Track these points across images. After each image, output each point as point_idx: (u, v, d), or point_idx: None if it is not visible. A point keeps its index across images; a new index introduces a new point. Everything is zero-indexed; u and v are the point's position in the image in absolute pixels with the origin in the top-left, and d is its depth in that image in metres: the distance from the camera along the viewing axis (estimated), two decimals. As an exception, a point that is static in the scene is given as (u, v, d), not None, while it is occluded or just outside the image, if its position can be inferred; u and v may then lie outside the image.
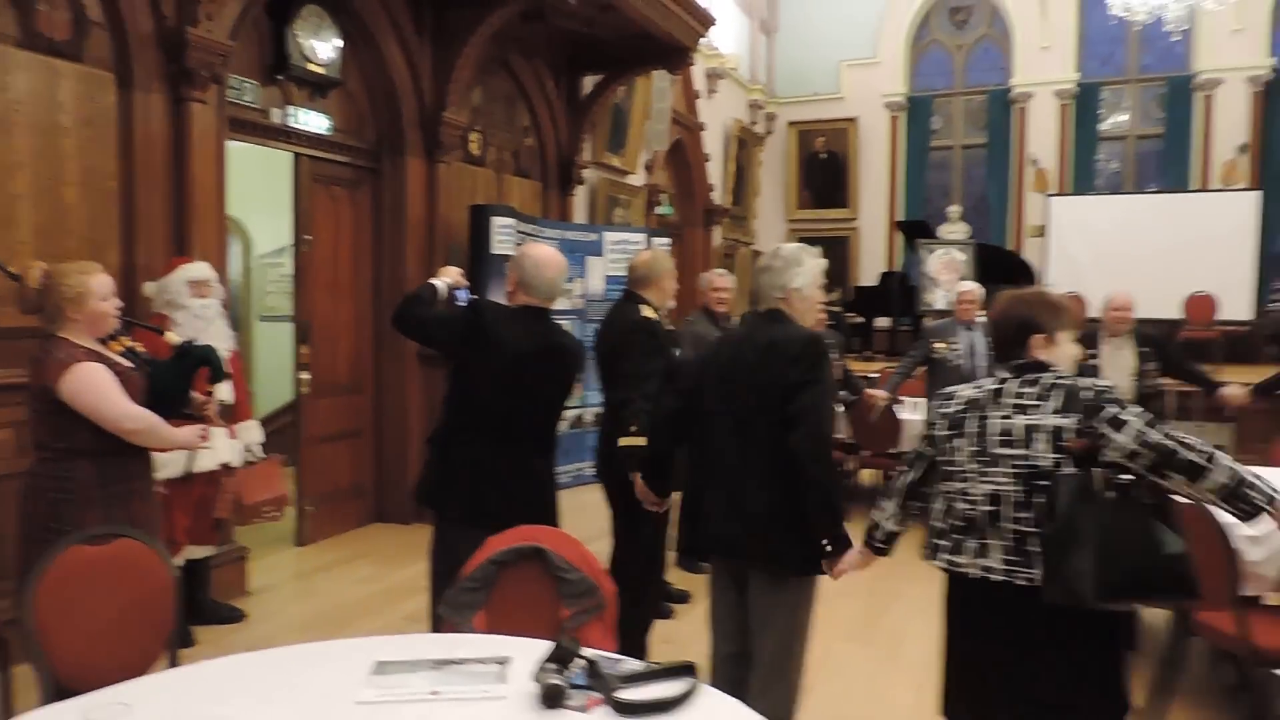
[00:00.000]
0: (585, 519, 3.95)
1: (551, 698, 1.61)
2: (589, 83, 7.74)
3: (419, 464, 5.86)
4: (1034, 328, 2.21)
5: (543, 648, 1.79)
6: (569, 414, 7.05)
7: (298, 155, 5.30)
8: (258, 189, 6.56)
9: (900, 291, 11.05)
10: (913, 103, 12.52)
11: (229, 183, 4.52)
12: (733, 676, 2.59)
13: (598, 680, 1.67)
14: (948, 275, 10.23)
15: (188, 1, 4.15)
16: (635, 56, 7.39)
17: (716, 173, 11.01)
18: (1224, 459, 2.03)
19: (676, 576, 4.64)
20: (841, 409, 5.99)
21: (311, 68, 5.14)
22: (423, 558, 4.69)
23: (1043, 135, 11.89)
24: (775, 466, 2.53)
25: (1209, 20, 10.37)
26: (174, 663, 2.29)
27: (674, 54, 7.41)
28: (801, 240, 13.06)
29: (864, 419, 6.01)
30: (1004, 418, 2.14)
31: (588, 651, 1.76)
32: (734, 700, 1.70)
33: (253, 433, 4.06)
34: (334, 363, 5.60)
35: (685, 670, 1.73)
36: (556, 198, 7.59)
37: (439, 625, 2.39)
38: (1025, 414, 2.11)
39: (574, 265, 7.00)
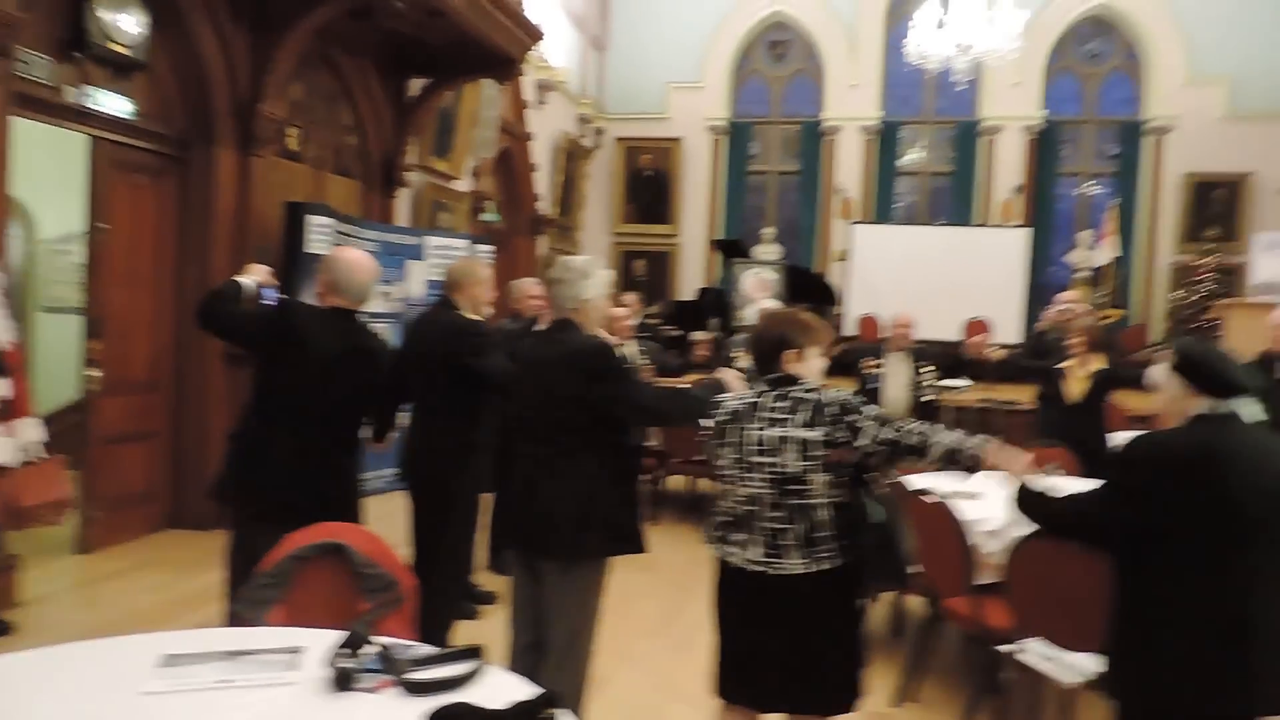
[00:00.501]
0: (403, 522, 3.95)
1: (342, 680, 1.69)
2: (416, 85, 7.69)
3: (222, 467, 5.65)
4: (786, 344, 2.47)
5: (334, 638, 1.85)
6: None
7: (95, 138, 5.01)
8: (46, 170, 6.12)
9: (716, 307, 11.55)
10: (734, 128, 13.14)
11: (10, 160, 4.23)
12: (529, 666, 2.73)
13: (389, 664, 1.76)
14: (760, 293, 10.79)
15: (-29, -32, 3.88)
16: (464, 63, 7.42)
17: (544, 183, 11.15)
18: (939, 432, 2.34)
19: (485, 578, 4.72)
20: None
21: (113, 47, 4.89)
22: (220, 565, 4.56)
23: (849, 167, 12.78)
24: (571, 464, 2.71)
25: (991, 73, 11.51)
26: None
27: (503, 64, 7.49)
28: (625, 254, 13.42)
29: (672, 429, 6.30)
30: (760, 429, 2.40)
31: (381, 638, 1.85)
32: (519, 678, 1.83)
33: (32, 431, 3.82)
34: (129, 359, 5.31)
35: (473, 653, 1.85)
36: (378, 199, 7.48)
37: (234, 623, 2.38)
38: (777, 426, 2.37)
39: (394, 269, 6.95)
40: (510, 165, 10.33)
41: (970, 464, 2.36)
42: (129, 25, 4.97)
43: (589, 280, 2.84)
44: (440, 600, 3.42)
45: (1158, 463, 2.07)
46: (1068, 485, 3.76)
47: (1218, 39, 11.72)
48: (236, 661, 1.78)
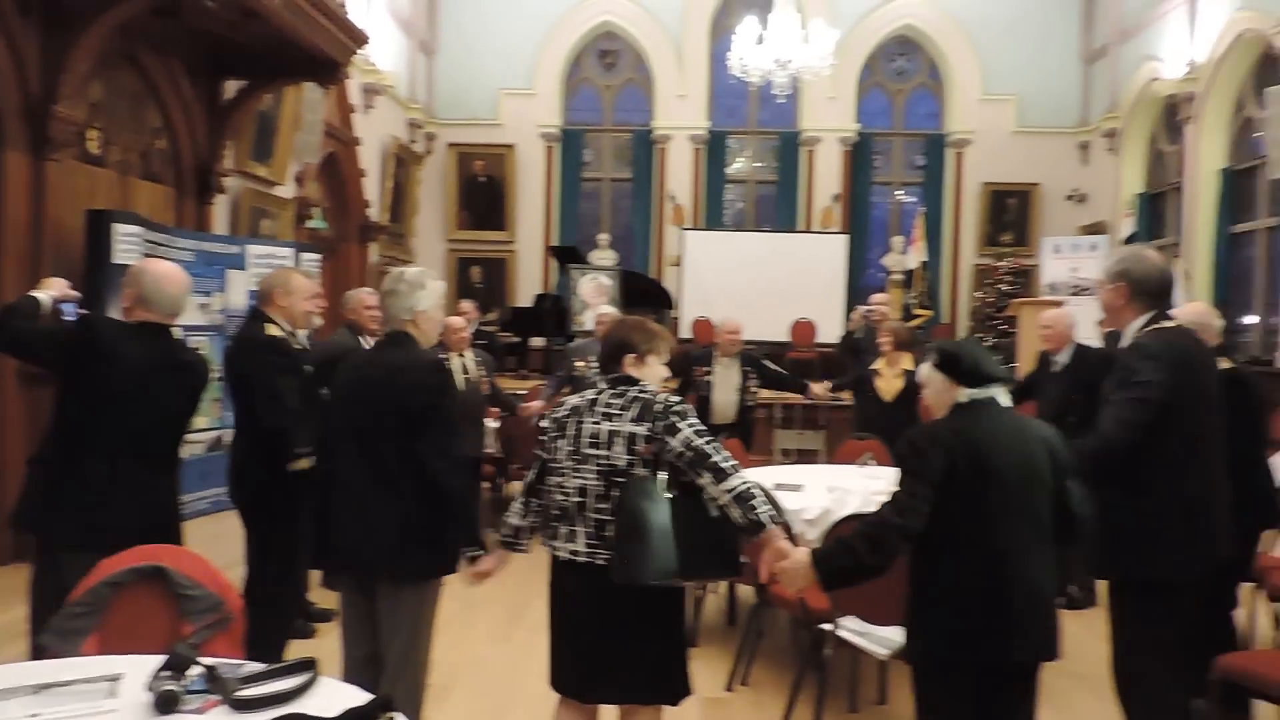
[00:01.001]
0: (234, 544, 3.80)
1: (166, 703, 1.65)
2: (232, 87, 7.36)
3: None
4: (629, 348, 2.60)
5: (158, 663, 1.80)
6: (208, 437, 6.65)
7: None
8: None
9: (553, 313, 11.62)
10: (566, 135, 13.26)
11: None
12: (366, 679, 2.70)
13: (216, 683, 1.73)
14: (597, 298, 10.97)
15: None
16: (284, 66, 7.15)
17: (374, 189, 10.89)
18: (745, 474, 2.48)
19: (320, 595, 4.59)
20: (495, 424, 6.27)
21: (-121, 41, 4.45)
22: (20, 602, 4.26)
23: (680, 174, 13.16)
24: (398, 483, 2.71)
25: (809, 87, 12.15)
26: None
27: (325, 68, 7.27)
28: (461, 260, 13.29)
29: (516, 434, 6.33)
30: (594, 423, 2.51)
31: (206, 659, 1.81)
32: (352, 687, 1.84)
33: None
34: (-94, 382, 4.84)
35: (305, 666, 1.84)
36: (193, 206, 7.11)
37: (41, 656, 2.25)
38: (610, 421, 2.49)
39: (214, 279, 6.65)
40: (337, 171, 10.04)
41: (752, 522, 2.41)
42: (-102, 16, 4.54)
43: (423, 291, 2.84)
44: (272, 619, 3.33)
45: (929, 448, 2.31)
46: (881, 474, 4.09)
47: (1007, 61, 12.84)
48: (47, 695, 1.70)
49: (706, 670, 2.68)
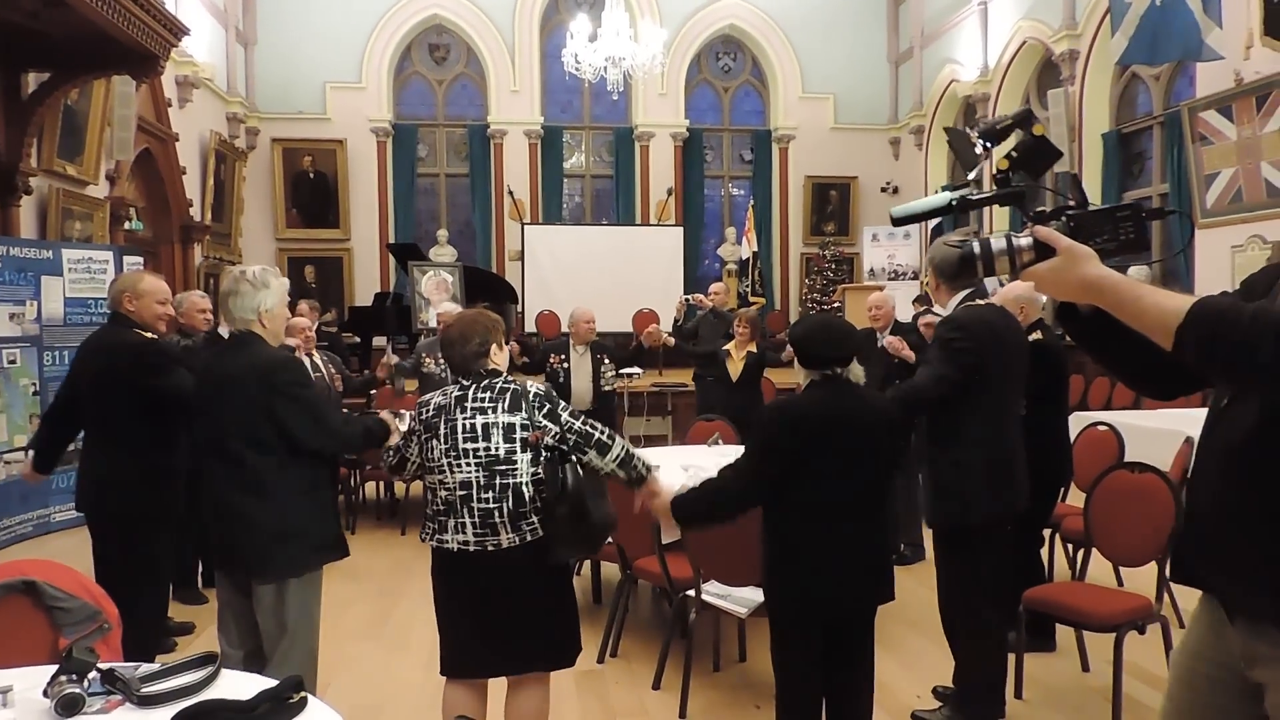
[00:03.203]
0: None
1: (69, 705, 1.65)
2: (33, 80, 6.85)
3: None
4: (485, 343, 2.70)
5: (46, 672, 1.79)
6: (20, 457, 6.19)
7: None
8: None
9: (395, 311, 11.42)
10: (398, 130, 13.03)
11: None
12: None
13: (117, 683, 1.74)
14: (439, 295, 10.86)
15: None
16: (93, 58, 6.71)
17: (194, 187, 10.35)
18: (622, 440, 2.75)
19: (176, 609, 4.44)
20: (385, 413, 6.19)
21: None
22: None
23: (517, 169, 13.20)
24: (264, 482, 2.74)
25: (641, 84, 12.47)
26: None
27: (140, 60, 6.87)
28: (292, 260, 12.83)
29: (389, 398, 6.30)
30: (468, 418, 2.61)
31: (102, 663, 1.81)
32: (255, 675, 1.89)
33: None
34: None
35: (206, 660, 1.87)
36: (-4, 208, 6.59)
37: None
38: (484, 414, 2.61)
39: (27, 285, 6.22)
40: (154, 168, 9.50)
41: (637, 479, 2.76)
42: None
43: (267, 290, 2.83)
44: (147, 627, 3.25)
45: (774, 422, 2.63)
46: (730, 451, 4.38)
47: (824, 61, 13.64)
48: (-68, 712, 1.67)
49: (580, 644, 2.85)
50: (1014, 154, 1.53)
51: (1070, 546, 4.79)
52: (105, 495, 3.43)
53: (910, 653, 4.05)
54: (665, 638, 3.81)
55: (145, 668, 1.85)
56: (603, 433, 2.71)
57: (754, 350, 6.20)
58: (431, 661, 3.74)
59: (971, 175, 1.59)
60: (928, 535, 5.53)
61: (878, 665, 2.82)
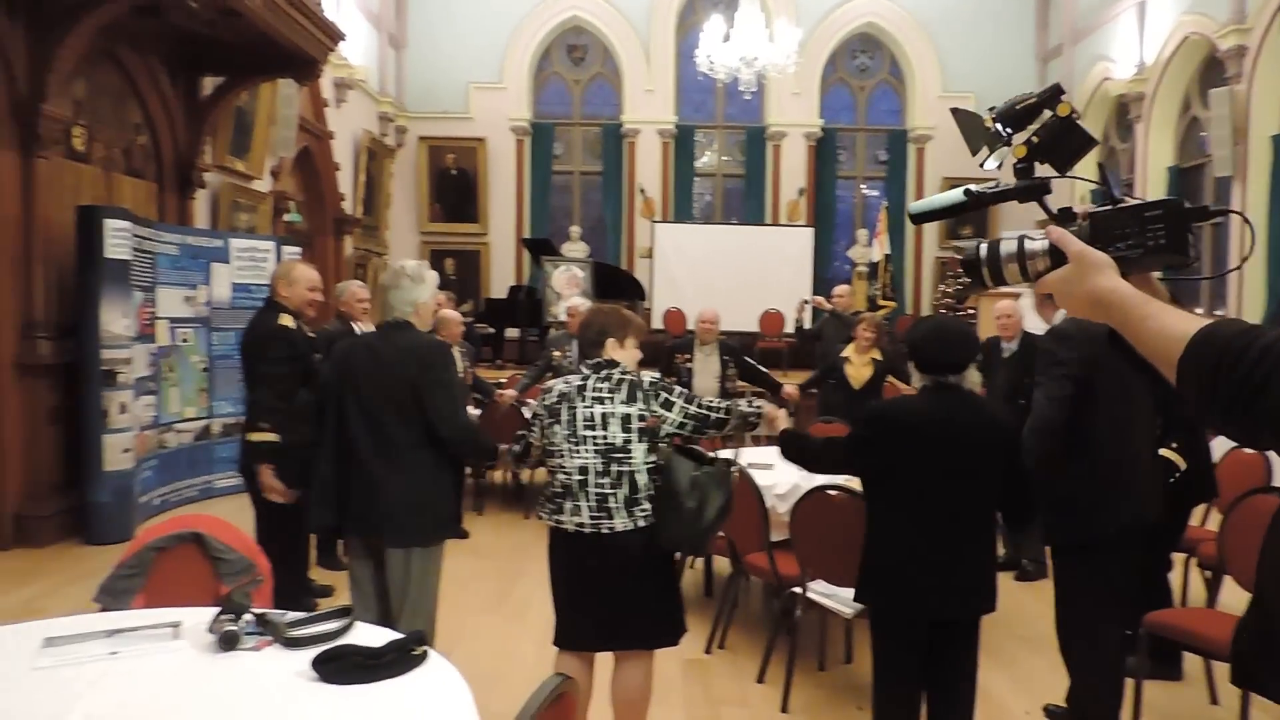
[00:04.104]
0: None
1: (228, 641, 1.88)
2: (210, 84, 7.49)
3: (20, 483, 5.41)
4: (607, 334, 2.87)
5: (208, 613, 2.03)
6: (195, 426, 6.80)
7: None
8: None
9: (527, 304, 11.83)
10: (536, 128, 13.45)
11: None
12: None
13: (267, 626, 1.97)
14: (569, 289, 11.20)
15: None
16: (261, 63, 7.30)
17: (347, 182, 11.02)
18: (735, 407, 2.86)
19: (317, 573, 4.80)
20: (476, 411, 6.49)
21: (-124, 41, 4.57)
22: (30, 582, 4.52)
23: (649, 168, 13.41)
24: (403, 455, 2.99)
25: (775, 83, 12.44)
26: None
27: (302, 65, 7.42)
28: (434, 252, 13.41)
29: (494, 419, 6.55)
30: (587, 407, 2.77)
31: (255, 609, 2.05)
32: (384, 629, 2.09)
33: None
34: (-95, 374, 4.96)
35: (342, 612, 2.09)
36: (175, 201, 7.24)
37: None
38: (602, 404, 2.76)
39: (198, 272, 6.80)
40: (312, 164, 10.16)
41: (756, 423, 2.91)
42: (-106, 17, 4.66)
43: (423, 284, 3.10)
44: (290, 584, 3.58)
45: (872, 422, 2.67)
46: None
47: (965, 59, 13.25)
48: (119, 638, 1.93)
49: (686, 636, 2.95)
50: (1035, 139, 1.28)
51: (1207, 572, 4.56)
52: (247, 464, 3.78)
53: (1023, 669, 3.97)
54: (771, 633, 3.88)
55: (291, 615, 2.07)
56: (717, 410, 2.83)
57: (879, 357, 6.12)
58: (546, 637, 3.93)
59: (992, 164, 1.36)
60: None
61: (988, 679, 2.82)
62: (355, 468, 3.02)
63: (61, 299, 5.74)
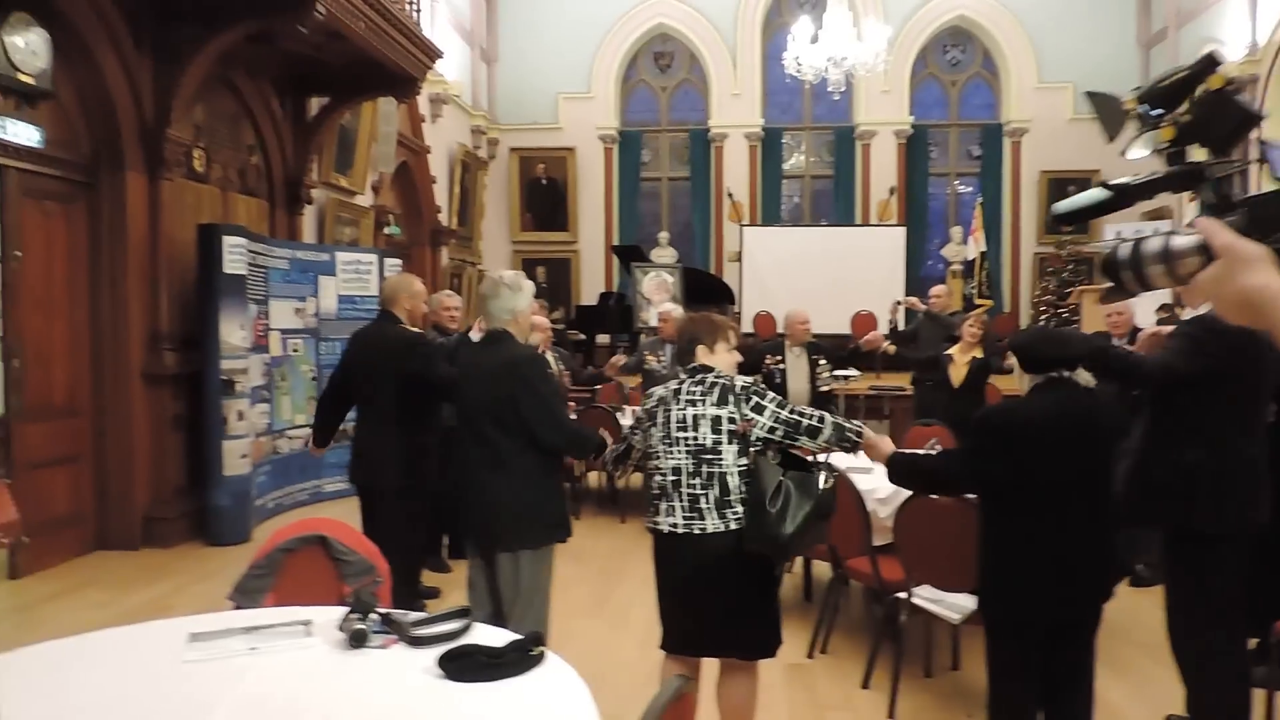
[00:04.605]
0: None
1: (358, 639, 1.98)
2: (315, 104, 7.81)
3: (147, 487, 5.73)
4: (700, 340, 2.91)
5: (336, 612, 2.14)
6: (304, 432, 7.07)
7: (3, 167, 5.02)
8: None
9: (618, 310, 11.95)
10: (624, 136, 13.58)
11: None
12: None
13: (392, 625, 2.06)
14: (659, 295, 11.26)
15: (-114, 5, 3.92)
16: (363, 82, 7.59)
17: (442, 195, 11.33)
18: (830, 418, 2.84)
19: (425, 576, 4.95)
20: (573, 418, 6.62)
21: (20, 77, 4.91)
22: (158, 581, 4.78)
23: (737, 171, 13.39)
24: (509, 463, 3.08)
25: (864, 82, 12.28)
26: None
27: (402, 83, 7.70)
28: (525, 261, 13.65)
29: (593, 418, 6.66)
30: (680, 410, 2.82)
31: (380, 608, 2.14)
32: (504, 630, 2.16)
33: (-30, 458, 3.89)
34: (48, 385, 5.32)
35: (461, 613, 2.16)
36: (284, 217, 7.58)
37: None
38: (694, 406, 2.81)
39: (307, 285, 7.09)
40: (410, 178, 10.49)
41: (852, 445, 2.88)
42: (34, 55, 5.00)
43: (521, 293, 3.19)
44: (395, 590, 3.70)
45: (994, 426, 2.61)
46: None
47: (1061, 48, 12.83)
48: (257, 634, 2.05)
49: (788, 640, 2.93)
50: (1186, 119, 1.13)
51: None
52: (373, 468, 3.93)
53: (1142, 678, 3.82)
54: (875, 638, 3.84)
55: (413, 615, 2.16)
56: (810, 418, 2.82)
57: (979, 355, 6.00)
58: (648, 640, 3.97)
59: (1139, 152, 1.16)
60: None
61: (1106, 688, 2.74)
62: (464, 477, 3.12)
63: (183, 312, 6.07)
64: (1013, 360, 2.81)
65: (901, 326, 7.99)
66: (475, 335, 4.55)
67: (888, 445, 2.89)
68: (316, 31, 6.14)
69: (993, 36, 13.15)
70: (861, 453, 2.96)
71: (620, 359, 6.51)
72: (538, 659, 1.92)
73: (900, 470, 2.81)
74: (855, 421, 2.93)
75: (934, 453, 2.89)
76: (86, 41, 5.38)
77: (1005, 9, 12.96)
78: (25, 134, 5.07)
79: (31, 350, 5.18)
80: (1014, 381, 2.94)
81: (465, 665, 1.85)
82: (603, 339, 12.22)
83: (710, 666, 2.97)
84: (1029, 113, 13.00)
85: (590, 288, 13.26)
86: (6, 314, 5.11)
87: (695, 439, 2.79)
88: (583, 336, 11.99)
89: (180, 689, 1.81)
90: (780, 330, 7.18)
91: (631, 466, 3.17)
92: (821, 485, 2.75)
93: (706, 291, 11.54)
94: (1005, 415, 2.67)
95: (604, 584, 5.14)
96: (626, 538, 6.10)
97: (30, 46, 4.96)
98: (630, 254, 12.31)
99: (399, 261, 7.94)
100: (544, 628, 3.15)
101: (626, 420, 6.83)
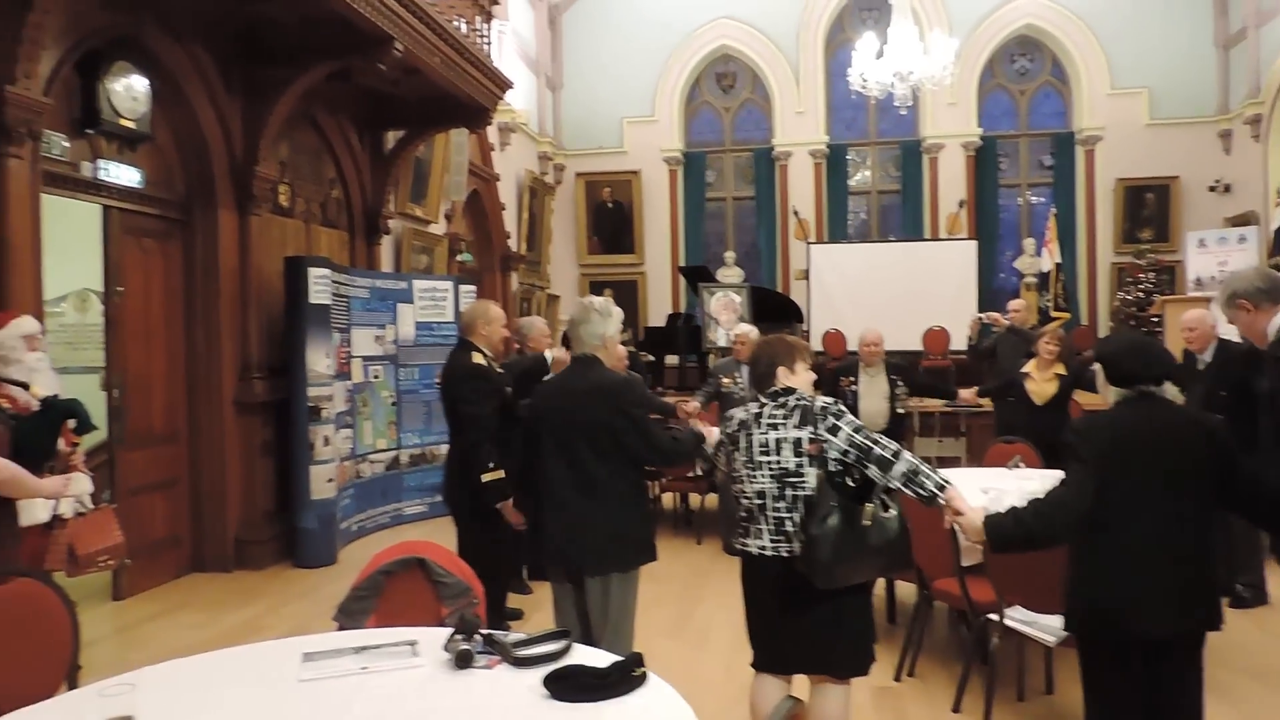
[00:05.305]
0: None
1: (463, 660, 2.04)
2: (391, 138, 8.05)
3: (239, 511, 5.93)
4: (778, 363, 2.91)
5: (439, 632, 2.20)
6: (386, 457, 7.25)
7: (106, 208, 5.29)
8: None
9: (686, 331, 11.98)
10: (688, 158, 13.66)
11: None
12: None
13: (496, 645, 2.11)
14: (727, 315, 11.27)
15: (5, 61, 4.18)
16: (437, 115, 7.81)
17: (511, 221, 11.53)
18: (907, 455, 2.76)
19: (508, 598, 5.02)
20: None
21: (122, 122, 5.19)
22: (251, 602, 4.90)
23: (802, 189, 13.35)
24: (598, 487, 3.11)
25: (930, 95, 12.15)
26: (73, 689, 2.47)
27: (474, 114, 7.90)
28: (592, 284, 13.77)
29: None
30: (762, 433, 2.83)
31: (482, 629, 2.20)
32: (600, 650, 2.20)
33: (82, 483, 4.07)
34: (148, 413, 5.56)
35: (561, 635, 2.21)
36: (363, 247, 7.81)
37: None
38: (776, 430, 2.81)
39: (386, 311, 7.28)
40: (480, 206, 10.71)
41: (929, 497, 2.73)
42: (135, 101, 5.27)
43: (610, 319, 3.24)
44: (494, 605, 3.78)
45: (1096, 438, 2.53)
46: (1032, 475, 4.24)
47: (1135, 52, 12.54)
48: (366, 654, 2.12)
49: (874, 663, 2.93)
50: None
51: None
52: (457, 492, 4.02)
53: (1251, 705, 3.69)
54: (965, 661, 3.77)
55: (513, 635, 2.21)
56: (885, 449, 2.73)
57: (1063, 372, 5.85)
58: (732, 661, 3.98)
59: None
60: (1273, 577, 4.98)
61: (1213, 717, 2.63)
62: (554, 503, 3.16)
63: (271, 342, 6.30)
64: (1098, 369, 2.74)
65: (978, 342, 7.84)
66: (551, 355, 4.62)
67: (975, 515, 2.65)
68: (394, 68, 6.34)
69: (1062, 44, 12.91)
70: (944, 510, 2.76)
71: (693, 405, 6.34)
72: (640, 680, 1.95)
73: (1003, 532, 2.58)
74: (940, 473, 2.77)
75: (1029, 502, 2.58)
76: (182, 86, 5.65)
77: (1074, 15, 12.72)
78: (126, 176, 5.34)
79: (132, 380, 5.43)
80: (1098, 397, 2.89)
81: (570, 685, 1.89)
82: (671, 360, 12.25)
83: (799, 686, 2.96)
84: (1102, 120, 12.71)
85: (657, 309, 13.33)
86: (110, 346, 5.37)
87: (778, 462, 2.80)
88: (651, 358, 12.04)
89: (301, 708, 1.88)
90: (850, 349, 7.14)
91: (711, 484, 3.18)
92: (866, 519, 2.66)
93: (774, 310, 11.50)
94: (1101, 424, 2.59)
95: (684, 605, 5.15)
96: (704, 558, 6.10)
97: (131, 93, 5.24)
98: (697, 274, 12.35)
99: (473, 288, 8.12)
100: (630, 649, 3.17)
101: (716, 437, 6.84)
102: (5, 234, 4.23)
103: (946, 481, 2.77)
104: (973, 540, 2.80)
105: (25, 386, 3.25)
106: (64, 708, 1.94)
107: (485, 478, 3.89)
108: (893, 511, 2.74)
